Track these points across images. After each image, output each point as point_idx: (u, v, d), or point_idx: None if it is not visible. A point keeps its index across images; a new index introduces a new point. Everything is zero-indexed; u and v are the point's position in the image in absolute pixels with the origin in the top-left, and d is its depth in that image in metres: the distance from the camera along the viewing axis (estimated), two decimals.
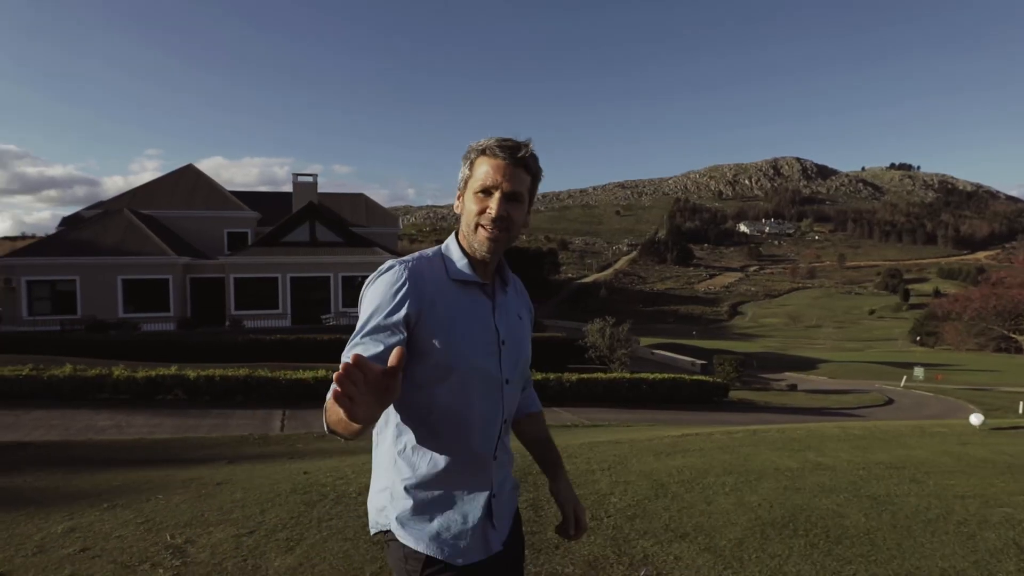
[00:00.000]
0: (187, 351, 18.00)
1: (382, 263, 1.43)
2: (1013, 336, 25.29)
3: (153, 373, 10.68)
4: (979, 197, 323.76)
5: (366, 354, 1.19)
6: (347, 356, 1.18)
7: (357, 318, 1.33)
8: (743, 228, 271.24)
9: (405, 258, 1.35)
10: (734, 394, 20.84)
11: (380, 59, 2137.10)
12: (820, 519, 3.54)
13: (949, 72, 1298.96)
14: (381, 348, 1.21)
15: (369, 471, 5.35)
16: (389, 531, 1.33)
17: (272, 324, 25.77)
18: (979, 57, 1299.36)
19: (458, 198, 1.39)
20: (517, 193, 1.32)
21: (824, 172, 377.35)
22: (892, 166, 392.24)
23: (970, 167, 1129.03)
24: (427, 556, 1.29)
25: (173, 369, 11.08)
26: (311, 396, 11.01)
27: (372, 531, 1.40)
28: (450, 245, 1.41)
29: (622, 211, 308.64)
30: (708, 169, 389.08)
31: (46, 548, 3.54)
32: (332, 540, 3.53)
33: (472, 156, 1.34)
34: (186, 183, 34.10)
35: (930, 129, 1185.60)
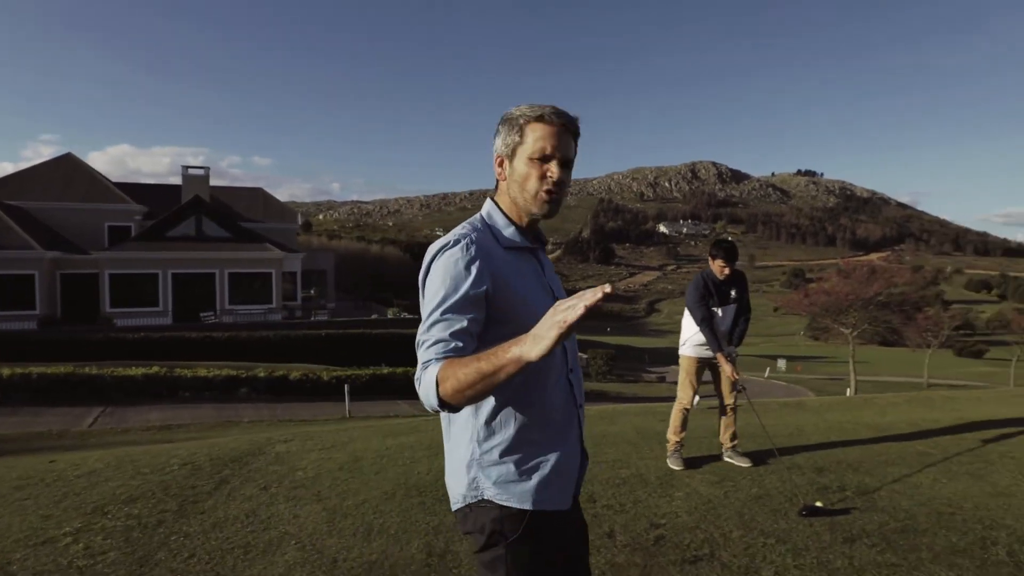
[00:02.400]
0: (44, 349, 17.29)
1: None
2: (838, 327, 27.77)
3: None
4: (874, 203, 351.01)
5: (451, 329, 1.21)
6: (428, 331, 1.22)
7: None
8: (663, 229, 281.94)
9: (462, 232, 1.35)
10: (593, 386, 22.07)
11: (313, 53, 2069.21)
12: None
13: (854, 81, 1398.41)
14: (465, 323, 1.22)
15: (109, 462, 5.64)
16: (482, 500, 1.33)
17: (151, 322, 24.93)
18: (883, 66, 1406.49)
19: (499, 164, 1.40)
20: (570, 160, 1.37)
21: (738, 176, 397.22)
22: (799, 172, 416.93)
23: (867, 175, 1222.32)
24: (529, 513, 1.31)
25: None
26: (139, 392, 10.91)
27: (459, 506, 1.38)
28: (492, 214, 1.43)
29: None
30: (631, 171, 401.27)
31: None
32: (11, 516, 3.88)
33: (521, 122, 1.35)
34: (63, 173, 32.28)
35: (834, 137, 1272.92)
